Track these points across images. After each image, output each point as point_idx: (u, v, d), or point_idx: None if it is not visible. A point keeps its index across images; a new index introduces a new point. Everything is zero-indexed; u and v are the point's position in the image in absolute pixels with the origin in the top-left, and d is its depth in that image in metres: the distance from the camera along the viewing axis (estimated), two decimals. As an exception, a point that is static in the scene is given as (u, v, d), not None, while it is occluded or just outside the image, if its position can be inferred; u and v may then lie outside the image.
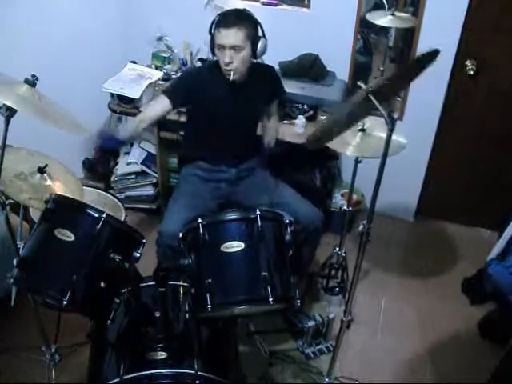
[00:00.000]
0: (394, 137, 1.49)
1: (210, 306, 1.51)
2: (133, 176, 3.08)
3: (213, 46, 2.13)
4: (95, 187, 2.42)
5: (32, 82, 1.60)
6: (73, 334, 2.14)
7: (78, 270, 1.53)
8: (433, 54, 1.38)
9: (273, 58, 2.55)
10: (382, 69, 2.82)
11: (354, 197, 2.82)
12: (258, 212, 1.59)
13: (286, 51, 2.79)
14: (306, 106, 2.70)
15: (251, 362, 2.22)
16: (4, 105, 1.50)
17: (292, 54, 2.82)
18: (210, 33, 2.13)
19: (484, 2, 2.49)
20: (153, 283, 1.80)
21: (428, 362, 2.35)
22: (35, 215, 2.00)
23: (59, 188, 1.84)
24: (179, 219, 1.98)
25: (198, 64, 2.97)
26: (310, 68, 2.77)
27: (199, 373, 1.59)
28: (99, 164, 3.25)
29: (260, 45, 2.12)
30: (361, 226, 1.64)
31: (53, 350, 2.10)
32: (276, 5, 2.86)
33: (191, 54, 3.02)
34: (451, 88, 2.76)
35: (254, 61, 2.22)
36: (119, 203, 2.28)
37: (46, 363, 2.08)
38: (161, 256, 2.12)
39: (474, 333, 2.47)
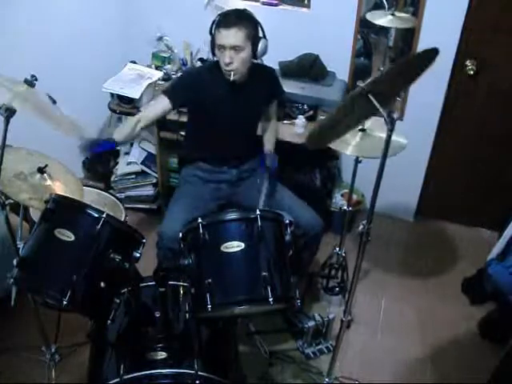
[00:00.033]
0: (393, 137, 1.49)
1: (209, 306, 1.51)
2: (133, 176, 3.08)
3: (213, 46, 2.12)
4: (95, 187, 2.42)
5: (31, 82, 1.60)
6: (73, 334, 2.14)
7: (78, 270, 1.53)
8: (431, 53, 1.38)
9: (273, 58, 2.55)
10: (382, 69, 2.82)
11: (354, 197, 2.82)
12: (257, 212, 1.59)
13: (286, 51, 2.79)
14: (305, 106, 2.70)
15: (251, 361, 2.22)
16: (4, 105, 1.50)
17: (292, 54, 2.82)
18: (211, 33, 2.13)
19: (484, 2, 2.49)
20: (153, 283, 1.80)
21: (428, 361, 2.35)
22: (35, 215, 2.00)
23: (59, 188, 1.84)
24: (179, 221, 1.98)
25: (198, 64, 2.97)
26: (310, 68, 2.77)
27: (199, 373, 1.59)
28: (99, 164, 3.25)
29: (260, 45, 2.11)
30: (361, 226, 1.64)
31: (53, 350, 2.10)
32: (276, 5, 2.86)
33: (191, 54, 3.02)
34: (451, 88, 2.76)
35: (254, 61, 2.22)
36: (119, 203, 2.28)
37: (46, 363, 2.08)
38: (161, 258, 2.12)
39: (473, 333, 2.47)
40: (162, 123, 2.72)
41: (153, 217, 3.09)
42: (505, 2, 2.47)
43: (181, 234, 1.68)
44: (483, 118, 2.82)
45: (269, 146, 2.42)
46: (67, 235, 1.55)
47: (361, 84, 1.50)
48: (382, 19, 2.47)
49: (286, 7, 2.87)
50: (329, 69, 2.84)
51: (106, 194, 2.34)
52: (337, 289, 2.63)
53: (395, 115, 1.47)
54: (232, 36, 2.03)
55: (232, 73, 2.09)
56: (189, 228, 1.66)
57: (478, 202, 3.08)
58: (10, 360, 2.17)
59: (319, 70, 2.80)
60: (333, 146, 1.96)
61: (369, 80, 1.46)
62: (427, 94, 2.68)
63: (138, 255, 1.66)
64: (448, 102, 2.81)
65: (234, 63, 2.07)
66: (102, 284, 1.57)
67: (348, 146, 1.99)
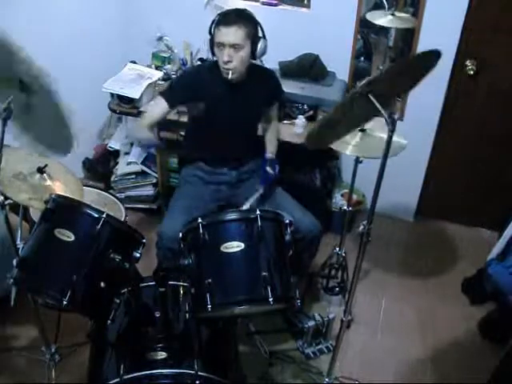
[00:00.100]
0: (394, 137, 1.49)
1: (210, 306, 1.51)
2: (133, 176, 3.08)
3: (212, 44, 2.12)
4: (95, 187, 2.42)
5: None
6: (73, 334, 2.14)
7: (78, 270, 1.53)
8: (432, 55, 1.38)
9: (273, 58, 2.55)
10: (381, 68, 2.82)
11: (354, 197, 2.82)
12: (257, 212, 1.59)
13: (286, 51, 2.79)
14: (305, 106, 2.70)
15: (251, 361, 2.22)
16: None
17: (292, 54, 2.82)
18: (210, 32, 2.13)
19: (484, 2, 2.49)
20: (153, 283, 1.80)
21: (428, 361, 2.35)
22: (35, 215, 2.00)
23: (59, 188, 1.84)
24: (179, 221, 1.98)
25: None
26: (310, 68, 2.77)
27: (199, 373, 1.58)
28: (99, 164, 3.25)
29: (260, 45, 2.11)
30: (361, 227, 1.64)
31: (53, 350, 2.10)
32: (276, 5, 2.86)
33: (191, 54, 3.02)
34: (451, 88, 2.76)
35: (254, 62, 2.21)
36: (119, 203, 2.28)
37: (46, 363, 2.08)
38: (161, 258, 2.12)
39: (474, 333, 2.47)
40: (161, 123, 2.71)
41: (153, 217, 3.09)
42: (505, 2, 2.47)
43: (181, 234, 1.68)
44: (483, 118, 2.82)
45: (271, 148, 2.42)
46: (67, 235, 1.55)
47: (360, 84, 1.50)
48: (381, 19, 2.46)
49: (285, 7, 2.87)
50: (329, 69, 2.84)
51: (106, 193, 2.35)
52: (337, 289, 2.63)
53: (396, 116, 1.47)
54: (232, 34, 2.02)
55: (230, 71, 2.08)
56: (189, 228, 1.66)
57: (478, 202, 3.08)
58: (9, 360, 2.17)
59: (319, 70, 2.80)
60: (333, 146, 1.96)
61: (364, 80, 1.46)
62: (427, 94, 2.66)
63: (138, 255, 1.66)
64: (448, 102, 2.81)
65: (233, 62, 2.07)
66: (102, 284, 1.57)
67: (348, 146, 1.99)
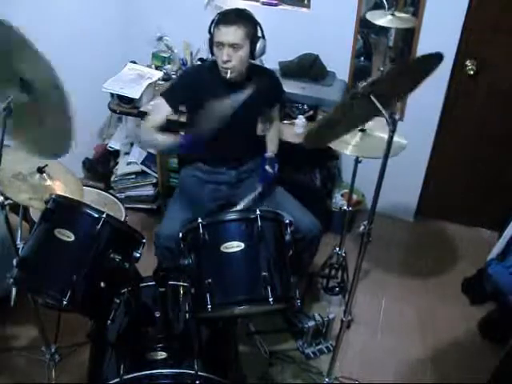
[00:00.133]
0: (394, 137, 1.48)
1: (210, 306, 1.51)
2: (133, 176, 3.08)
3: (211, 44, 2.12)
4: (95, 187, 2.42)
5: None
6: (73, 333, 2.14)
7: (78, 270, 1.53)
8: (434, 58, 1.38)
9: (273, 57, 2.55)
10: (381, 69, 2.82)
11: (354, 197, 2.82)
12: (257, 212, 1.59)
13: (286, 51, 2.79)
14: (306, 106, 2.70)
15: (251, 361, 2.22)
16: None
17: (292, 54, 2.82)
18: (210, 32, 2.12)
19: (484, 2, 2.49)
20: (153, 283, 1.80)
21: (428, 361, 2.35)
22: (35, 215, 2.00)
23: (59, 188, 1.84)
24: (177, 220, 1.98)
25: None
26: (310, 68, 2.77)
27: (199, 373, 1.59)
28: (99, 164, 3.25)
29: (259, 45, 2.11)
30: (361, 227, 1.64)
31: (53, 350, 2.10)
32: (276, 5, 2.86)
33: (191, 54, 3.02)
34: (451, 88, 2.76)
35: (255, 62, 2.21)
36: (119, 203, 2.28)
37: (46, 363, 2.08)
38: (159, 257, 2.13)
39: (474, 333, 2.47)
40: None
41: (153, 217, 3.09)
42: (505, 2, 2.47)
43: (181, 234, 1.68)
44: (483, 118, 2.82)
45: (272, 146, 2.42)
46: (67, 235, 1.55)
47: (360, 85, 1.50)
48: (381, 19, 2.46)
49: (285, 7, 2.87)
50: (329, 69, 2.84)
51: (106, 193, 2.35)
52: (337, 289, 2.63)
53: (396, 116, 1.47)
54: (231, 33, 2.02)
55: (229, 71, 2.08)
56: (189, 228, 1.66)
57: (478, 202, 3.08)
58: (9, 360, 2.17)
59: (319, 70, 2.80)
60: (333, 145, 1.96)
61: (366, 81, 1.46)
62: (427, 94, 2.65)
63: (138, 255, 1.66)
64: (448, 102, 2.81)
65: (232, 61, 2.07)
66: (102, 284, 1.57)
67: (348, 145, 1.99)
